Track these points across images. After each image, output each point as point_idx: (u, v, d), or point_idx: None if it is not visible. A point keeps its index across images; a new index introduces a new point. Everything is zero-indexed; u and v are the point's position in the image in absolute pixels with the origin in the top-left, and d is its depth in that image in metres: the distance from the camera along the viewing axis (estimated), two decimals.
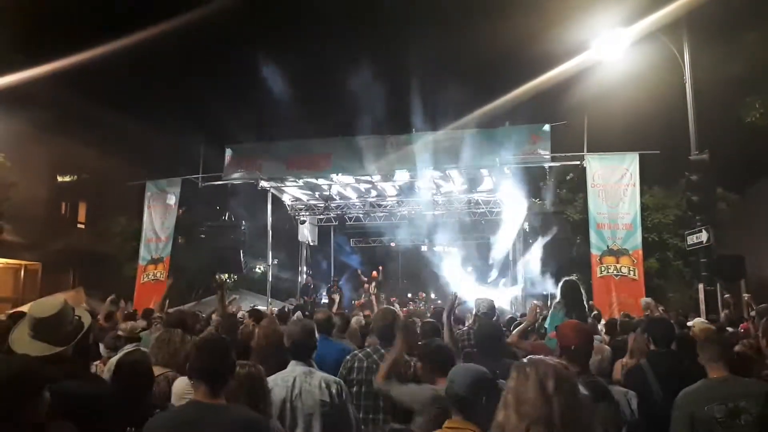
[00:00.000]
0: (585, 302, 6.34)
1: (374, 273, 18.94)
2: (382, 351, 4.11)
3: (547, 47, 14.96)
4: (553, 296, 7.84)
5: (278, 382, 3.60)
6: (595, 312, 11.79)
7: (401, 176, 16.11)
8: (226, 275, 17.77)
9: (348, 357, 4.17)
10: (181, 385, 3.63)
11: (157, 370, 3.83)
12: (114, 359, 4.31)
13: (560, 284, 6.21)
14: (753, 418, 3.32)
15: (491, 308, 6.43)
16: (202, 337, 3.21)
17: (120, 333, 5.57)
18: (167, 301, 8.02)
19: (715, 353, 3.58)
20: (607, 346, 4.71)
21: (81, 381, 2.72)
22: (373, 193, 18.43)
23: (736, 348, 4.76)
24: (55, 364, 2.68)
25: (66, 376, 2.62)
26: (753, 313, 7.45)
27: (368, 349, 4.21)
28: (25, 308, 9.17)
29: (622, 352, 5.13)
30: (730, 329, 6.80)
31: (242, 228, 17.62)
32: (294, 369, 3.69)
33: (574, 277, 6.57)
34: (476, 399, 2.77)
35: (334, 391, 3.64)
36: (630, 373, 4.49)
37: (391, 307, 4.95)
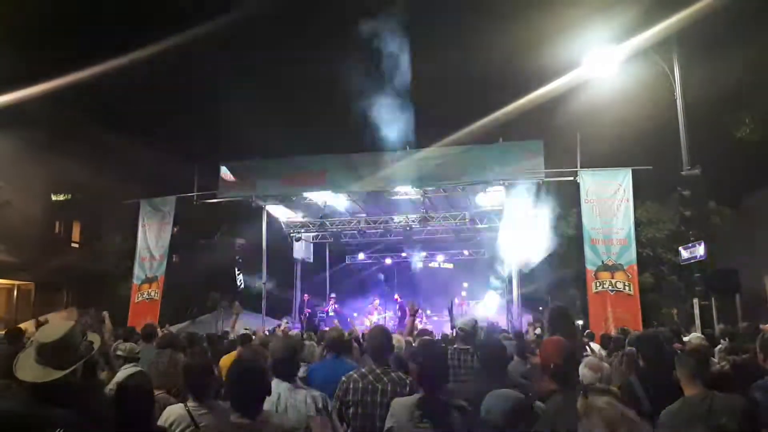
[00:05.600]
0: (574, 328, 6.22)
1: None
2: (378, 371, 4.06)
3: (540, 64, 15.15)
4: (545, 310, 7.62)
5: None
6: (588, 332, 11.80)
7: (395, 193, 16.13)
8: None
9: (344, 378, 4.11)
10: (170, 413, 3.50)
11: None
12: (114, 380, 4.31)
13: (548, 310, 6.01)
14: None
15: (475, 327, 6.12)
16: (238, 363, 3.29)
17: (119, 353, 5.52)
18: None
19: (689, 370, 3.59)
20: (605, 364, 4.68)
21: (86, 414, 2.64)
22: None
23: (717, 367, 4.75)
24: (66, 394, 2.59)
25: (78, 407, 2.53)
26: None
27: (363, 370, 4.16)
28: (23, 325, 9.10)
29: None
30: (723, 342, 6.77)
31: (237, 246, 17.56)
32: (278, 386, 3.74)
33: (562, 303, 6.41)
34: (515, 429, 2.68)
35: (320, 404, 3.79)
36: (619, 389, 4.48)
37: (383, 326, 4.90)
